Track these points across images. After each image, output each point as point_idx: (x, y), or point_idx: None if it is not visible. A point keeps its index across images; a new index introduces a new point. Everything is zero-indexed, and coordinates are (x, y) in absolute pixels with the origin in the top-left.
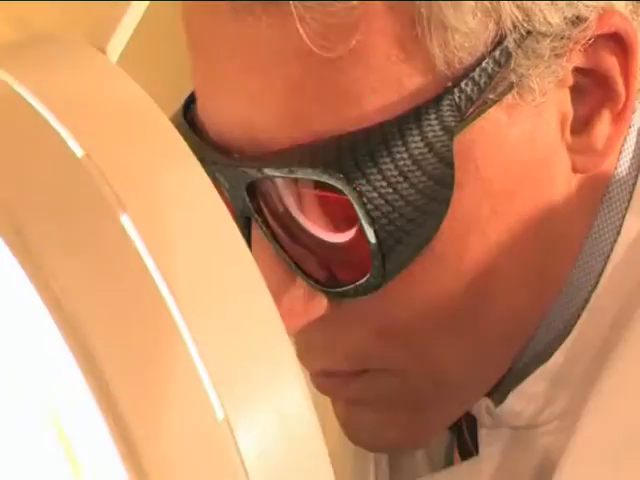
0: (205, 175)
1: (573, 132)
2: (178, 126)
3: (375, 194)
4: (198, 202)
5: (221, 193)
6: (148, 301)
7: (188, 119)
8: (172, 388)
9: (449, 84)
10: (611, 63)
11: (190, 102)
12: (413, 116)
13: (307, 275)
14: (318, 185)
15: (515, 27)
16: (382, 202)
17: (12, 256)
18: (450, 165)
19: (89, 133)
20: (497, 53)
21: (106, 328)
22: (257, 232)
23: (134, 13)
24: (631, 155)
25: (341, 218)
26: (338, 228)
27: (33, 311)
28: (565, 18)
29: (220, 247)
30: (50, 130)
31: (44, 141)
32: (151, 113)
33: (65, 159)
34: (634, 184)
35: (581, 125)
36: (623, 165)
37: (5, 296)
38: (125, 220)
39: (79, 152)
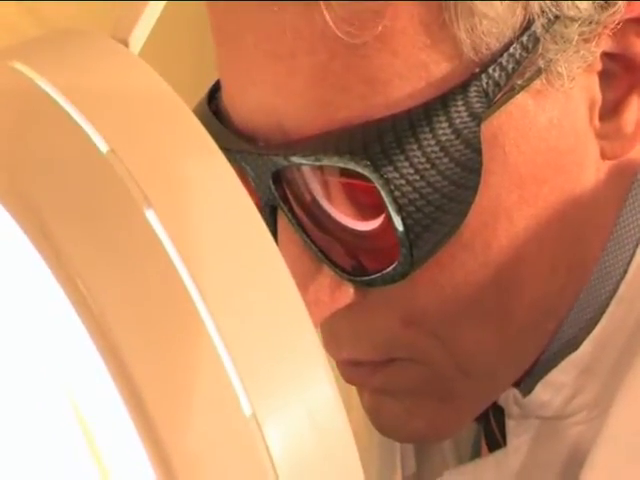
0: (230, 169)
1: (602, 118)
2: (203, 115)
3: (402, 181)
4: (223, 196)
5: (247, 182)
6: (174, 296)
7: (213, 108)
8: (199, 384)
9: (476, 70)
10: None
11: (215, 91)
12: (440, 102)
13: (333, 264)
14: (345, 173)
15: (543, 12)
16: (409, 189)
17: (37, 253)
18: (477, 151)
19: (113, 128)
20: (525, 38)
21: (132, 325)
22: (283, 221)
23: (156, 5)
24: None
25: (368, 206)
26: (365, 216)
27: (59, 309)
28: (594, 2)
29: (245, 241)
30: (74, 125)
31: (68, 137)
32: (174, 106)
33: (90, 155)
34: None
35: (610, 111)
36: None
37: (31, 293)
38: (151, 215)
39: (104, 148)
